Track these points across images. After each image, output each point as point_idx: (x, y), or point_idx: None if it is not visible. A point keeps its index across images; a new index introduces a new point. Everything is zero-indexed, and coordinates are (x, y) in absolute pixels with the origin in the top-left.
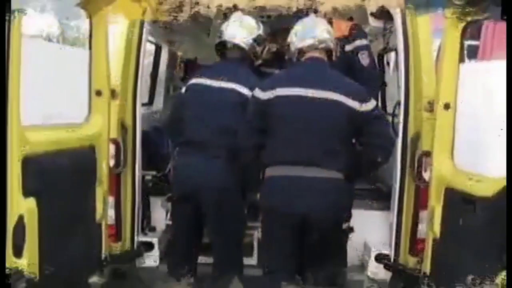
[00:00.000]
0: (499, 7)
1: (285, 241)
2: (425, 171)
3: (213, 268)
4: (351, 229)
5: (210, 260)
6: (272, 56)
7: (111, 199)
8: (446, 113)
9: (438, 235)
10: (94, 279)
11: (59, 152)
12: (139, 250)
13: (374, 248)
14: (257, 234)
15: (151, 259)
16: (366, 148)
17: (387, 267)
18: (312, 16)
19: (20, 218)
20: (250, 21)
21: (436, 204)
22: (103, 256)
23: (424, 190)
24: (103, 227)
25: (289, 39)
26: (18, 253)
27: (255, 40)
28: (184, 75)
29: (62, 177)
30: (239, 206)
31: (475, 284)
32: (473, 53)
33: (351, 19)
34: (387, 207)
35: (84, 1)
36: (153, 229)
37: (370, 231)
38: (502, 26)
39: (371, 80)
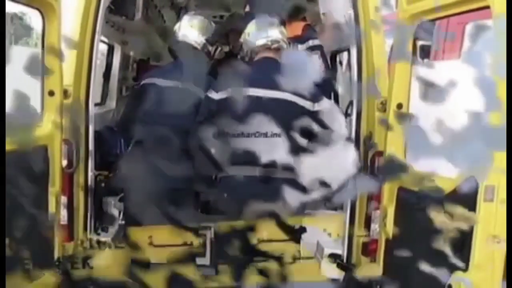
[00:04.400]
0: None
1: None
2: (378, 171)
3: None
4: (303, 229)
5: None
6: (225, 56)
7: (63, 199)
8: (398, 113)
9: (390, 235)
10: (46, 279)
11: (11, 153)
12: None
13: (327, 248)
14: (210, 234)
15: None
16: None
17: (340, 267)
18: (265, 16)
19: None
20: (203, 22)
21: (388, 204)
22: (55, 256)
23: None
24: (56, 227)
25: (242, 39)
26: None
27: (207, 40)
28: (136, 75)
29: (14, 177)
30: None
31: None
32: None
33: (304, 19)
34: (339, 207)
35: None
36: (105, 230)
37: (322, 231)
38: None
39: (323, 79)
